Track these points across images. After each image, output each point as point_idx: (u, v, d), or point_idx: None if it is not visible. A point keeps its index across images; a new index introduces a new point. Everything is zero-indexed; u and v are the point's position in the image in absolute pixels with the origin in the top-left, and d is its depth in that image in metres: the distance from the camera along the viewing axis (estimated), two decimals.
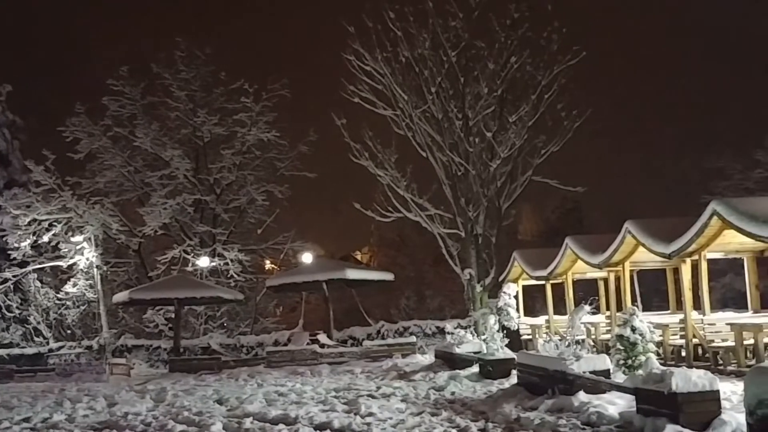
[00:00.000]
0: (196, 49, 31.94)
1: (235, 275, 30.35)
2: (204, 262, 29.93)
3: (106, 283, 29.45)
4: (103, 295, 27.74)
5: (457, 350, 16.63)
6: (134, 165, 32.00)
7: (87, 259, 28.12)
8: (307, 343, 23.39)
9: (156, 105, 32.24)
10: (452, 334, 17.51)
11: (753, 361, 12.59)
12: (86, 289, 29.16)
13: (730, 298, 24.71)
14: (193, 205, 31.95)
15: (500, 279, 22.04)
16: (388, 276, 26.53)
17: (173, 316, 25.99)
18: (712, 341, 14.09)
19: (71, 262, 28.61)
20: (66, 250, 28.43)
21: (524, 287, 22.75)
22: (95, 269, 27.91)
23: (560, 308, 21.27)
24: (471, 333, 17.66)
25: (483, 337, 15.99)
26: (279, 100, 32.15)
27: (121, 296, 24.90)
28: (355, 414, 10.77)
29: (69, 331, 30.05)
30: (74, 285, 29.29)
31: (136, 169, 32.07)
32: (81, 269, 28.85)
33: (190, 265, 29.98)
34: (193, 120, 31.90)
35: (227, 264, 30.38)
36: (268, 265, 38.33)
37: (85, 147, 31.01)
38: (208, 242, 31.61)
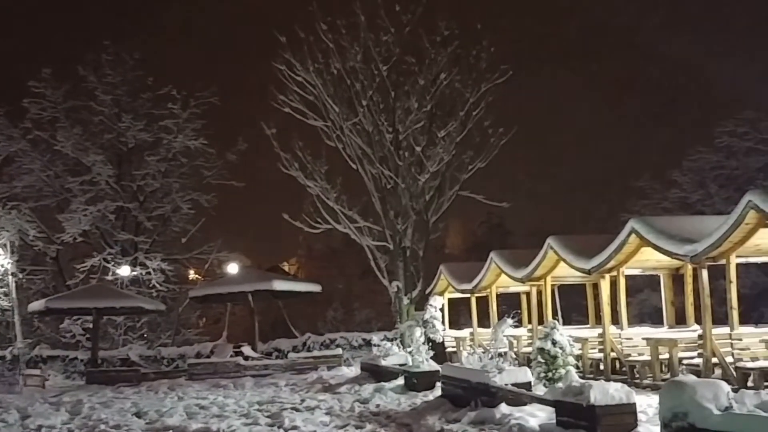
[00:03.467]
0: (124, 53, 31.30)
1: (158, 285, 29.70)
2: (125, 271, 29.20)
3: (22, 292, 28.31)
4: (18, 303, 26.62)
5: (383, 362, 16.65)
6: (54, 170, 31.00)
7: (2, 266, 26.99)
8: (231, 355, 23.02)
9: (79, 109, 31.35)
10: (378, 346, 17.52)
11: (668, 375, 13.02)
12: (0, 298, 27.98)
13: (646, 314, 25.54)
14: (114, 213, 31.13)
15: (427, 292, 22.21)
16: (316, 287, 26.39)
17: (91, 326, 25.23)
18: (629, 355, 14.52)
19: None
20: None
21: (450, 300, 23.00)
22: (10, 277, 26.79)
23: (484, 321, 21.58)
24: (397, 345, 17.71)
25: (409, 349, 16.07)
26: (207, 108, 31.74)
27: (36, 305, 24.05)
28: (279, 427, 10.66)
29: None
30: None
31: (56, 174, 31.08)
32: None
33: (110, 274, 29.20)
34: (118, 125, 31.15)
35: (149, 273, 29.70)
36: (192, 275, 37.63)
37: (2, 150, 29.98)
38: (130, 251, 30.85)
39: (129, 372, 22.27)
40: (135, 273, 29.67)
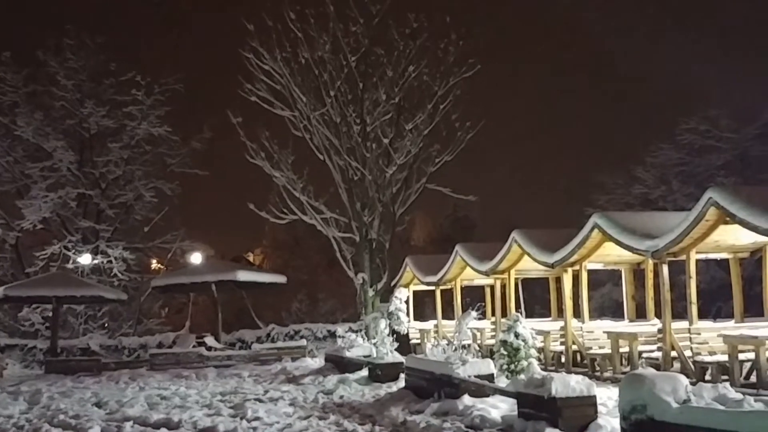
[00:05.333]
0: (86, 38, 30.72)
1: (119, 274, 29.33)
2: (86, 259, 28.78)
3: None
4: None
5: (348, 354, 16.65)
6: (14, 155, 30.33)
7: None
8: (194, 346, 22.81)
9: (40, 93, 30.71)
10: (343, 337, 17.51)
11: (628, 368, 13.21)
12: None
13: (608, 308, 25.92)
14: (75, 200, 30.61)
15: (392, 284, 22.26)
16: (281, 278, 26.26)
17: (51, 314, 24.83)
18: (590, 348, 14.71)
19: None
20: None
21: (415, 292, 23.08)
22: None
23: (449, 313, 21.71)
24: (362, 337, 17.72)
25: (373, 341, 16.09)
26: (172, 95, 31.34)
27: None
28: (241, 418, 10.59)
29: None
30: None
31: (16, 159, 30.41)
32: None
33: (70, 262, 28.75)
34: (80, 111, 30.60)
35: (111, 262, 29.31)
36: (154, 264, 37.23)
37: None
38: (91, 239, 30.39)
39: (89, 361, 21.95)
40: (96, 261, 29.26)
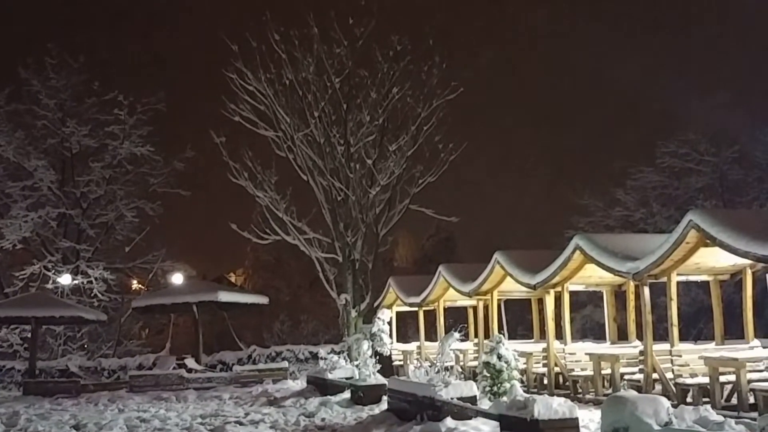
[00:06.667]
0: (68, 57, 30.68)
1: (99, 294, 29.09)
2: (66, 279, 28.53)
3: None
4: None
5: (330, 376, 16.54)
6: None
7: None
8: (174, 368, 22.60)
9: (21, 112, 30.57)
10: (325, 359, 17.41)
11: (609, 390, 13.23)
12: None
13: (589, 329, 26.01)
14: (56, 219, 30.42)
15: (375, 305, 22.19)
16: (263, 299, 26.12)
17: (29, 335, 24.53)
18: (573, 370, 14.73)
19: None
20: None
21: (398, 313, 23.05)
22: None
23: (431, 335, 21.67)
24: (344, 358, 17.62)
25: (356, 362, 16.00)
26: (155, 114, 31.31)
27: None
28: None
29: None
30: None
31: None
32: None
33: (50, 282, 28.49)
34: (62, 130, 30.48)
35: (91, 282, 29.07)
36: (135, 284, 36.95)
37: None
38: (71, 259, 30.15)
39: (68, 383, 21.68)
40: (76, 282, 29.02)
